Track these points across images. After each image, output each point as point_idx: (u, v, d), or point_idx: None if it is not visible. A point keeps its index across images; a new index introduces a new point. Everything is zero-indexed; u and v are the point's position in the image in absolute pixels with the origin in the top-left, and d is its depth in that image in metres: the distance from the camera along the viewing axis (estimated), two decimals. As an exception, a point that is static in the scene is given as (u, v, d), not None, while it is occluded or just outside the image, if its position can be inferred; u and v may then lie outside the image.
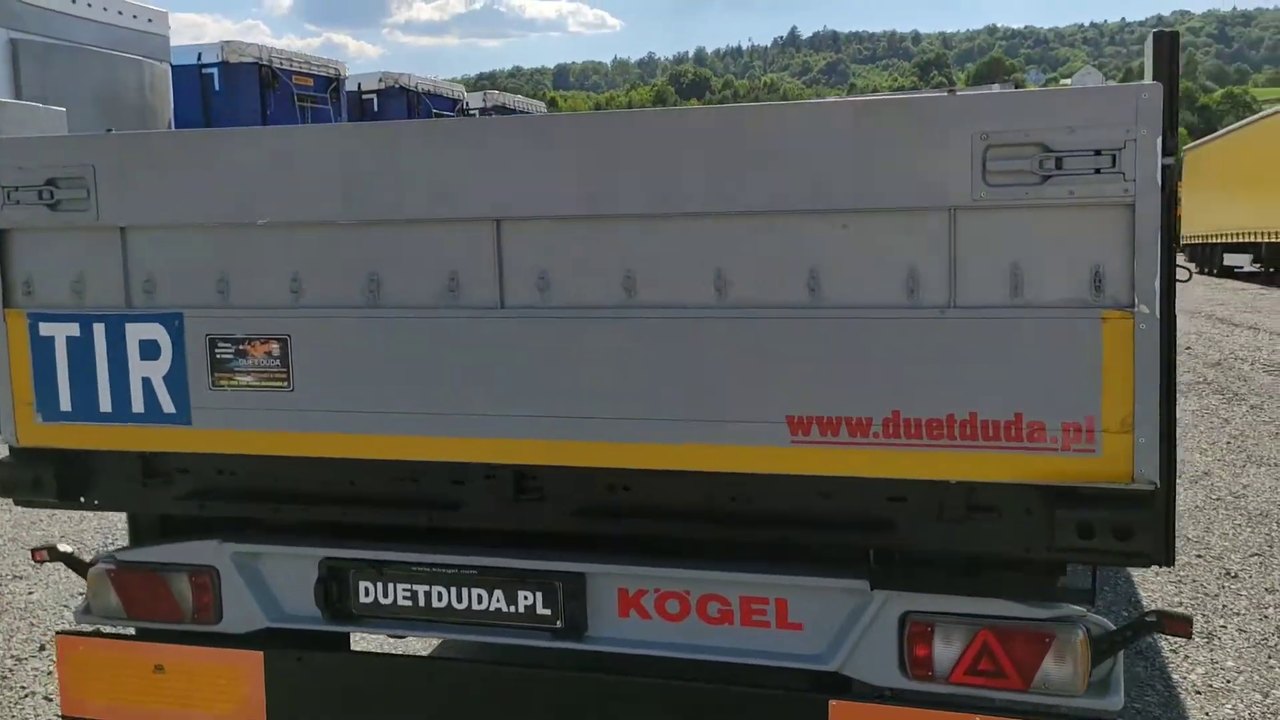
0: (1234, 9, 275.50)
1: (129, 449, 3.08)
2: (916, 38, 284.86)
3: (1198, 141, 40.88)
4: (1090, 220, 2.38)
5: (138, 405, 3.03)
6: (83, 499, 3.23)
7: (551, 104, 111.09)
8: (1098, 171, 2.34)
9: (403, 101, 21.44)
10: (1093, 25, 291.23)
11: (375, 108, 21.11)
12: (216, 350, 2.96)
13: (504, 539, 2.99)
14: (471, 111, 25.35)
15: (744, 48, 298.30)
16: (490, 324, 2.76)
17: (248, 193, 2.91)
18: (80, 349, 3.06)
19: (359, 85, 20.92)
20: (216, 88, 17.49)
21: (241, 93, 17.62)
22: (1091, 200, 2.36)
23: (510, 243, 2.73)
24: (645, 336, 2.67)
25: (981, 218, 2.43)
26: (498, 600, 2.98)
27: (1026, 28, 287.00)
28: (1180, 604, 5.40)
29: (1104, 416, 2.39)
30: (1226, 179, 31.52)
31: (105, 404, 3.06)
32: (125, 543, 3.46)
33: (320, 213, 2.85)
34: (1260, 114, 32.02)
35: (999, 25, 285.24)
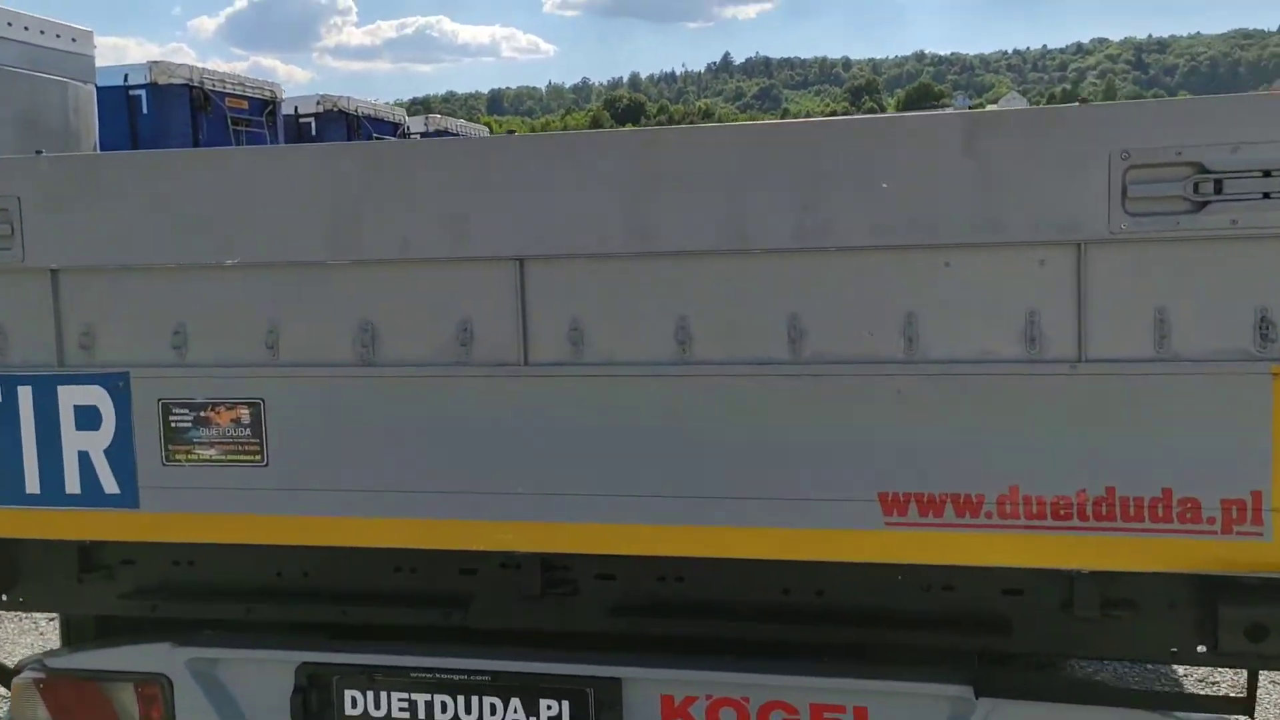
0: (1149, 36, 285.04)
1: (63, 538, 2.55)
2: (847, 64, 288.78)
3: None
4: (1256, 255, 1.98)
5: (73, 485, 2.50)
6: (5, 597, 2.68)
7: (485, 130, 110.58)
8: (1266, 196, 1.94)
9: (342, 125, 20.72)
10: (1016, 52, 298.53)
11: (313, 131, 20.37)
12: (171, 418, 2.44)
13: (522, 637, 2.50)
14: (413, 135, 24.72)
15: (678, 73, 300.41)
16: (512, 385, 2.28)
17: (212, 226, 2.41)
18: (2, 417, 2.52)
19: (295, 108, 20.14)
20: (144, 110, 16.67)
21: (171, 115, 16.84)
22: (1258, 231, 1.96)
23: (536, 286, 2.26)
24: (703, 398, 2.22)
25: (1120, 253, 2.02)
26: (515, 711, 2.49)
27: (953, 54, 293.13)
28: None
29: (1275, 492, 1.99)
30: None
31: (33, 484, 2.52)
32: (57, 644, 2.90)
33: (301, 250, 2.36)
34: None
35: (927, 52, 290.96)
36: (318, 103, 20.29)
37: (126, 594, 2.60)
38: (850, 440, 2.16)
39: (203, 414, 2.43)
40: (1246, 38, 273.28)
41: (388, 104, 23.97)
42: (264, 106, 17.67)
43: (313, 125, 20.34)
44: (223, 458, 2.43)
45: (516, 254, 2.27)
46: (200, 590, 2.55)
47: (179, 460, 2.45)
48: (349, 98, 20.83)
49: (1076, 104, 2.19)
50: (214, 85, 17.05)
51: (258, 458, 2.40)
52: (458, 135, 26.08)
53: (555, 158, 2.31)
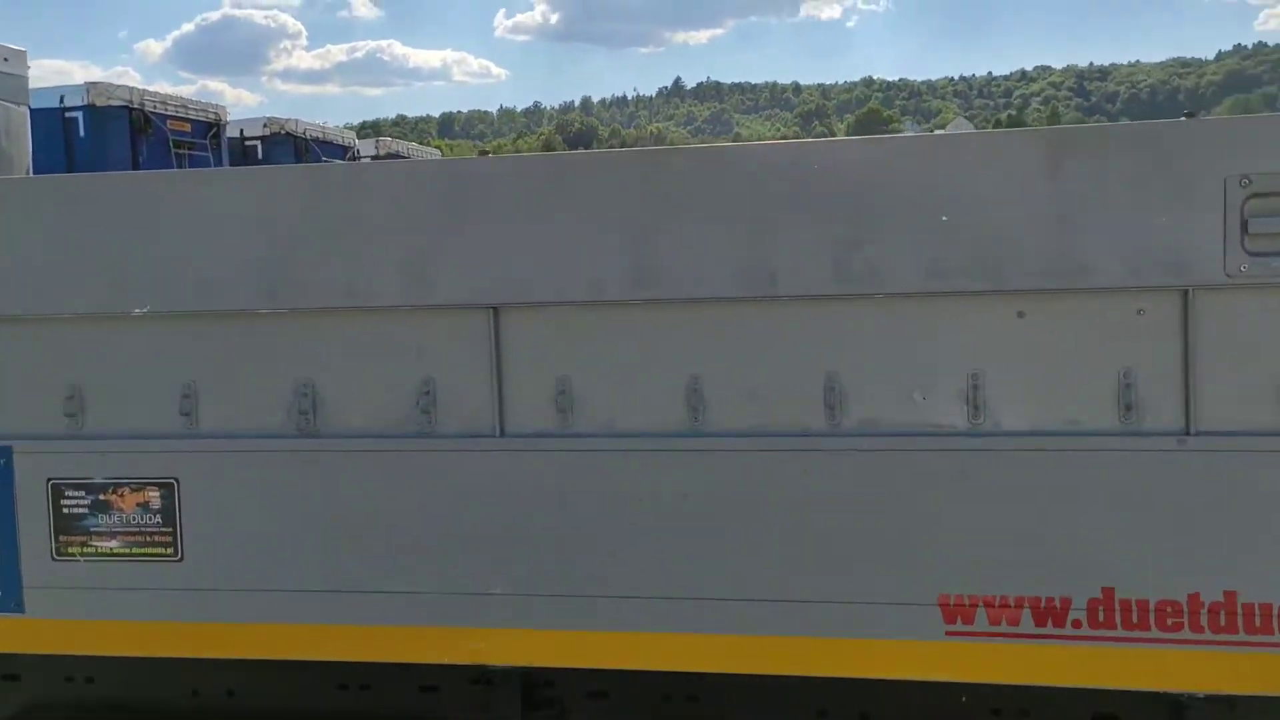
0: (1091, 64, 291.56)
1: (-75, 650, 2.07)
2: (797, 89, 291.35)
3: None
4: None
5: (-61, 585, 2.03)
6: None
7: (438, 152, 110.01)
8: None
9: (289, 148, 20.19)
10: (962, 79, 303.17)
11: (260, 155, 19.80)
12: (64, 502, 1.99)
13: None
14: (363, 159, 24.19)
15: (629, 97, 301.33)
16: (485, 460, 1.87)
17: (116, 267, 1.97)
18: None
19: (241, 131, 19.59)
20: (81, 133, 16.03)
21: (110, 138, 16.23)
22: None
23: (515, 339, 1.86)
24: (720, 477, 1.82)
25: (1238, 300, 1.65)
26: None
27: (901, 80, 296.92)
28: None
29: None
30: None
31: (-111, 582, 2.05)
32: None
33: (227, 297, 1.93)
34: None
35: (875, 78, 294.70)
36: (264, 125, 19.72)
37: (11, 717, 2.13)
38: (903, 531, 1.77)
39: (102, 497, 1.97)
40: (1184, 66, 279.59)
41: (338, 127, 23.42)
42: (208, 129, 17.09)
43: (259, 148, 19.74)
44: (127, 551, 1.98)
45: (491, 300, 1.87)
46: (100, 713, 2.09)
47: (73, 554, 2.00)
48: (297, 120, 20.31)
49: (1183, 118, 1.82)
50: (155, 107, 16.46)
51: (170, 551, 1.96)
52: (409, 159, 25.63)
53: (539, 183, 1.90)
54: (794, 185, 1.85)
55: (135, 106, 16.16)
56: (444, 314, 1.92)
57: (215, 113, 17.26)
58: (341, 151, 22.16)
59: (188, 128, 16.80)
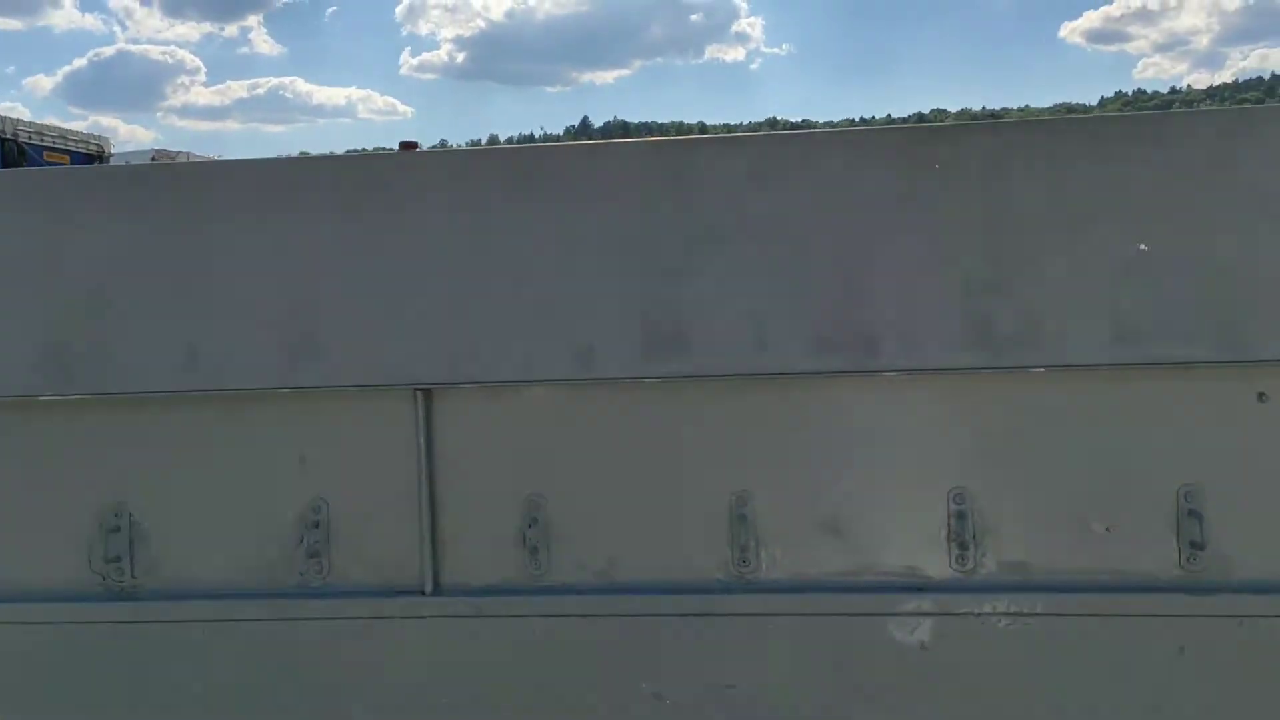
0: (983, 108, 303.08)
1: None
2: (703, 128, 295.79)
3: None
4: None
5: None
6: None
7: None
8: None
9: (179, 182, 19.11)
10: (862, 120, 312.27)
11: (148, 189, 18.70)
12: None
13: None
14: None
15: (536, 135, 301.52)
16: (410, 630, 1.18)
17: None
18: None
19: (127, 163, 18.47)
20: (-53, 164, 14.77)
21: (-21, 170, 15.02)
22: None
23: (454, 436, 1.18)
24: (782, 658, 1.16)
25: None
26: None
27: (804, 121, 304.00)
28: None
29: None
30: None
31: None
32: None
33: (8, 381, 1.21)
34: None
35: (779, 118, 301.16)
36: (152, 157, 18.55)
37: None
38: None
39: None
40: (1070, 111, 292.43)
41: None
42: (89, 161, 15.93)
43: (147, 182, 18.59)
44: None
45: (417, 380, 1.17)
46: None
47: None
48: (189, 152, 19.17)
49: None
50: (30, 138, 15.29)
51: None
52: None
53: (488, 177, 1.21)
54: (897, 186, 1.23)
55: (8, 137, 14.98)
56: (343, 400, 1.22)
57: (98, 144, 16.13)
58: (237, 186, 21.05)
59: (66, 160, 15.62)
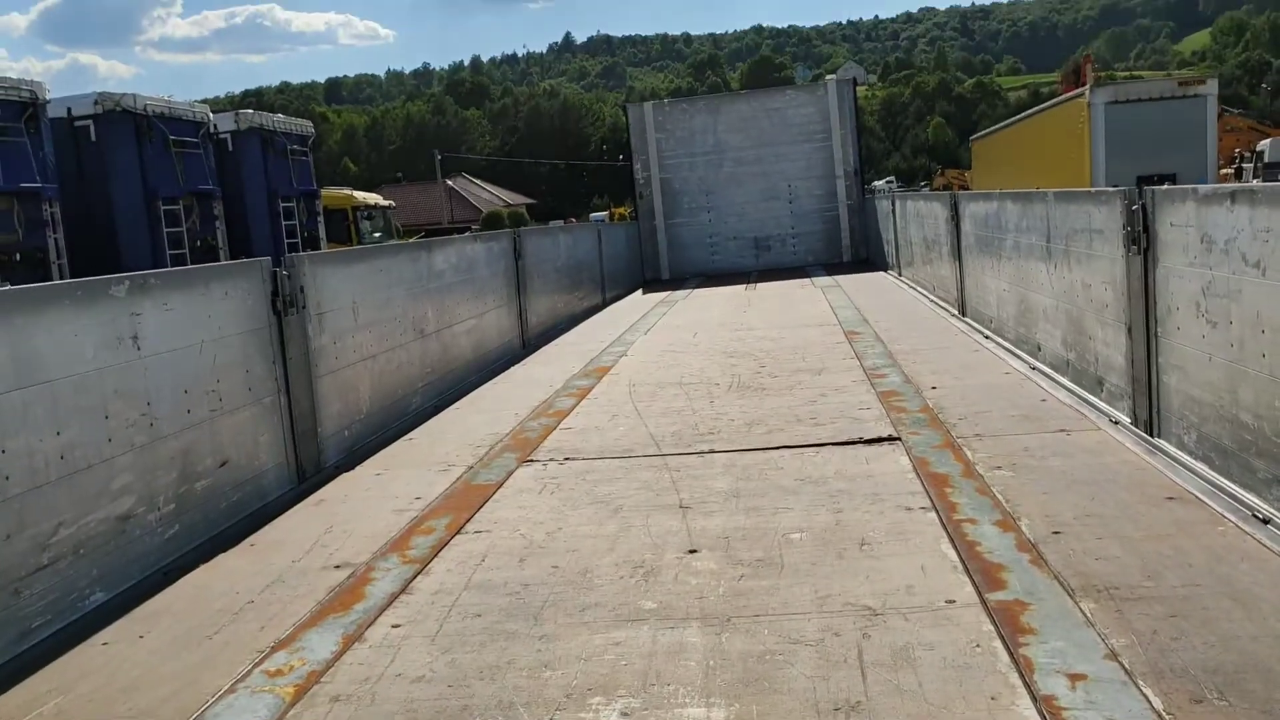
0: (973, 4, 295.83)
1: None
2: (688, 39, 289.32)
3: (984, 131, 43.72)
4: None
5: None
6: None
7: (322, 120, 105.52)
8: None
9: (129, 128, 18.04)
10: (850, 23, 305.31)
11: (92, 137, 17.64)
12: None
13: None
14: (222, 136, 22.05)
15: (520, 55, 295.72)
16: None
17: None
18: None
19: (69, 110, 17.40)
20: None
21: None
22: None
23: None
24: None
25: None
26: None
27: (790, 27, 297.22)
28: None
29: None
30: (1014, 163, 33.30)
31: None
32: None
33: None
34: (1037, 109, 33.76)
35: (765, 25, 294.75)
36: (95, 102, 17.53)
37: None
38: None
39: None
40: (1062, 2, 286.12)
41: (187, 101, 21.19)
42: (23, 110, 14.97)
43: (91, 129, 17.59)
44: None
45: None
46: None
47: None
48: (135, 95, 18.15)
49: None
50: (-45, 88, 14.31)
51: None
52: (274, 133, 23.54)
53: None
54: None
55: (-68, 89, 14.01)
56: None
57: (31, 90, 15.07)
58: (193, 128, 20.02)
59: (-4, 110, 14.64)
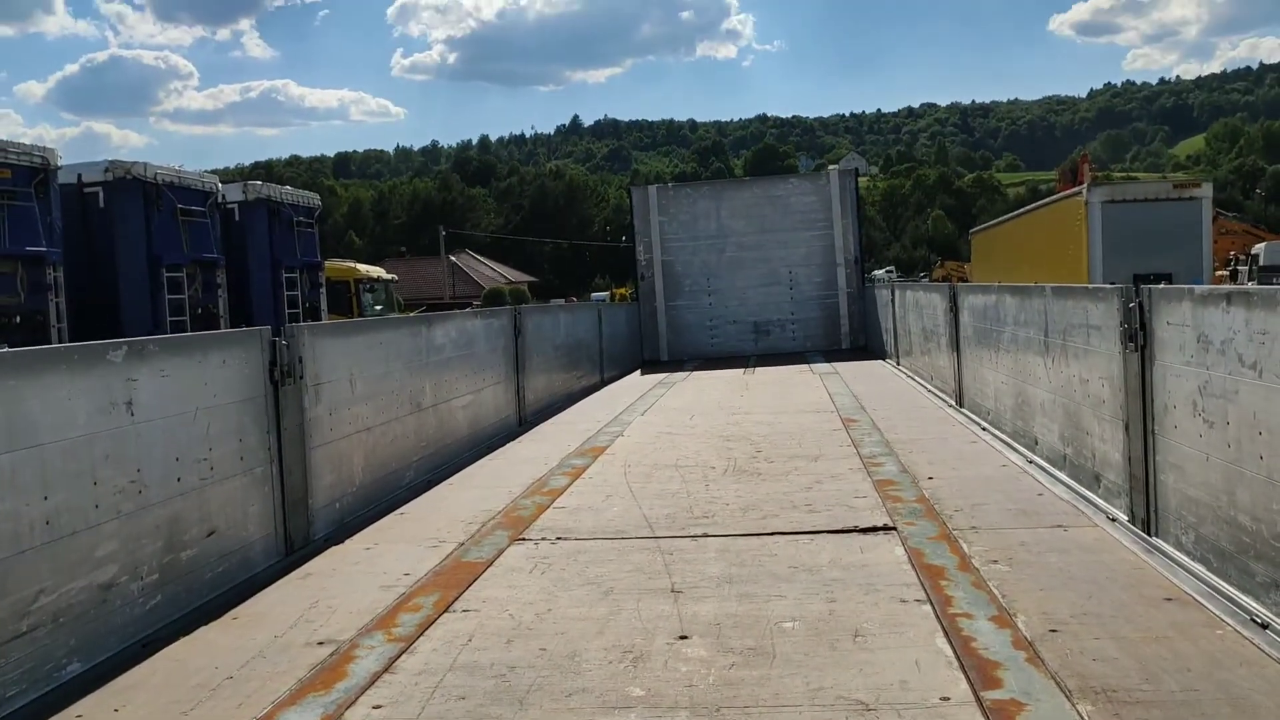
0: (973, 102, 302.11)
1: None
2: (694, 125, 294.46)
3: (984, 225, 44.39)
4: None
5: None
6: None
7: (330, 193, 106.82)
8: None
9: (138, 196, 18.25)
10: (853, 115, 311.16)
11: (101, 203, 17.84)
12: None
13: None
14: (230, 206, 22.30)
15: (527, 135, 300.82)
16: None
17: None
18: None
19: (79, 177, 17.60)
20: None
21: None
22: None
23: None
24: None
25: None
26: None
27: (794, 117, 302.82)
28: None
29: None
30: (1012, 256, 33.59)
31: None
32: None
33: None
34: (1035, 205, 34.24)
35: (770, 114, 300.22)
36: (106, 170, 17.77)
37: None
38: None
39: None
40: (1059, 104, 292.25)
41: (200, 172, 21.48)
42: (33, 175, 15.17)
43: (100, 196, 17.82)
44: None
45: None
46: None
47: None
48: (146, 163, 18.39)
49: None
50: (-31, 151, 14.51)
51: None
52: (281, 204, 23.80)
53: None
54: None
55: (-54, 151, 14.21)
56: None
57: (42, 156, 15.28)
58: (202, 198, 20.27)
59: (8, 174, 14.82)
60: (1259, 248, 35.20)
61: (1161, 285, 5.58)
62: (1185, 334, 4.99)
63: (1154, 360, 5.42)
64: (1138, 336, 5.56)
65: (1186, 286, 5.17)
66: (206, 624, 4.83)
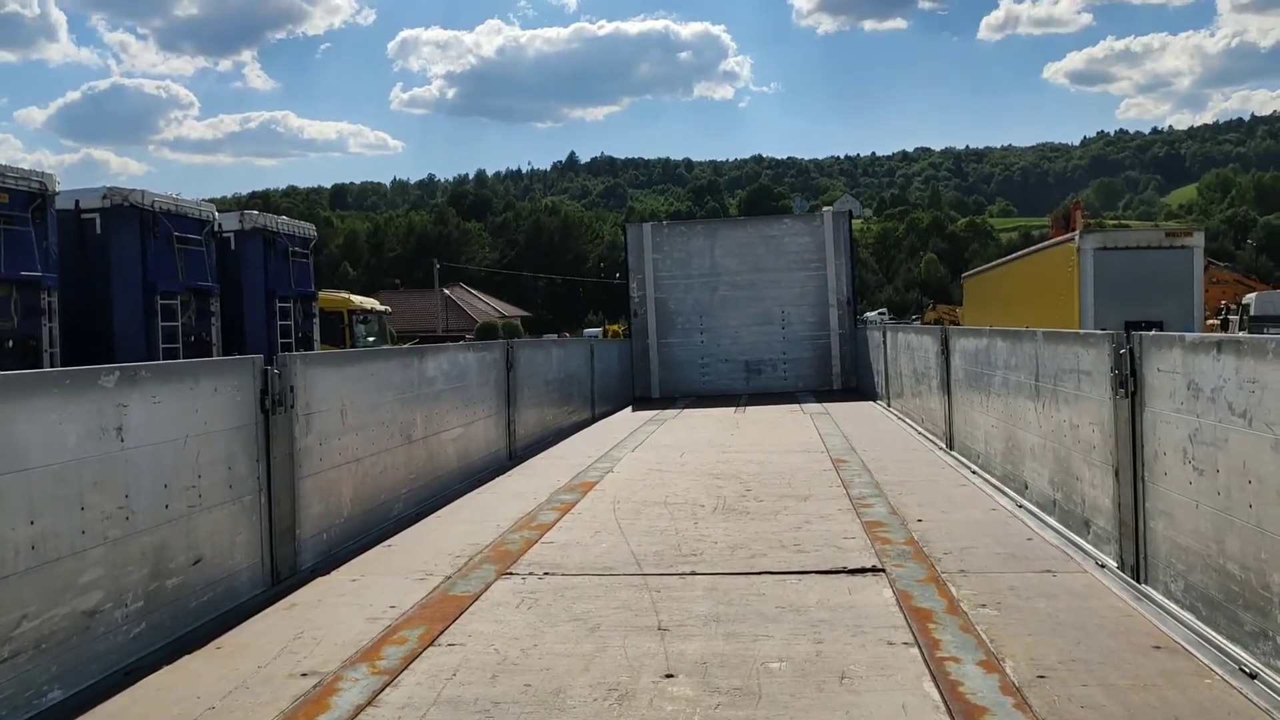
0: (967, 147, 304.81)
1: None
2: (689, 165, 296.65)
3: (976, 269, 44.81)
4: None
5: None
6: None
7: (326, 224, 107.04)
8: None
9: (134, 223, 18.26)
10: (847, 158, 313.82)
11: (98, 229, 17.85)
12: None
13: None
14: (226, 235, 22.33)
15: (524, 170, 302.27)
16: None
17: None
18: None
19: (76, 203, 17.62)
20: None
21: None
22: None
23: None
24: None
25: None
26: None
27: (789, 158, 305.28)
28: None
29: None
30: (1004, 301, 33.88)
31: None
32: None
33: None
34: (1028, 250, 34.51)
35: (765, 155, 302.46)
36: (104, 196, 17.79)
37: None
38: None
39: None
40: (1053, 150, 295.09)
41: (196, 200, 21.52)
42: (31, 200, 15.19)
43: (97, 222, 17.84)
44: None
45: None
46: None
47: None
48: (143, 191, 18.42)
49: None
50: (-34, 174, 14.54)
51: None
52: (277, 234, 23.84)
53: None
54: None
55: (-57, 175, 14.24)
56: None
57: (40, 182, 15.31)
58: (198, 226, 20.30)
59: (5, 198, 14.84)
60: (1250, 297, 35.44)
61: (1153, 332, 5.62)
62: (1176, 381, 5.02)
63: (1144, 407, 5.44)
64: (1128, 383, 5.59)
65: (1177, 334, 5.20)
66: (190, 653, 4.78)
